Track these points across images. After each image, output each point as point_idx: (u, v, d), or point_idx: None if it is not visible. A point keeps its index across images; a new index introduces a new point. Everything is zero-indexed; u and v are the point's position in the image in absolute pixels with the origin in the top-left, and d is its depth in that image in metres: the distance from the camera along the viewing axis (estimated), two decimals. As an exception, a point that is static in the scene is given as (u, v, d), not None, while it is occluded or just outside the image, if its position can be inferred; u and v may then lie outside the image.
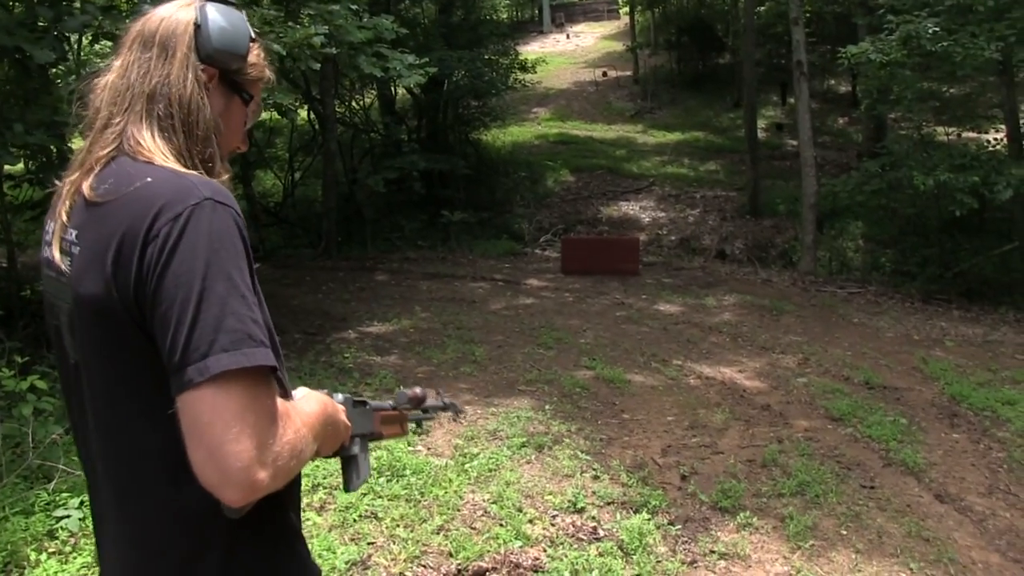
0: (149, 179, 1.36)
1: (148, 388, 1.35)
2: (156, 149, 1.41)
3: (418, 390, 1.97)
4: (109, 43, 7.83)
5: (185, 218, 1.29)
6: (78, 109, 1.55)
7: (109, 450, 1.43)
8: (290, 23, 7.27)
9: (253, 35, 1.60)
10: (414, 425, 2.06)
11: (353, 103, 20.59)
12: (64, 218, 1.44)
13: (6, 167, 7.02)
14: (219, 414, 1.22)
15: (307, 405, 1.50)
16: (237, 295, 1.29)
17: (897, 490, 5.47)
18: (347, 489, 1.76)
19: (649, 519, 4.86)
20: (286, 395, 1.48)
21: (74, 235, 1.41)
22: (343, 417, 1.64)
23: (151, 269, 1.28)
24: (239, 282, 1.31)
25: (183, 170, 1.40)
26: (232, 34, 1.53)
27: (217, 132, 1.52)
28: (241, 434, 1.22)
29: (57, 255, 1.43)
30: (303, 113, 19.37)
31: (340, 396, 1.67)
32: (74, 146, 6.90)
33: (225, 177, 1.52)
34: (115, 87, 1.48)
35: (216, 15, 1.52)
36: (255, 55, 1.61)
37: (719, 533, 4.78)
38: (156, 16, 1.51)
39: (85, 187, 1.41)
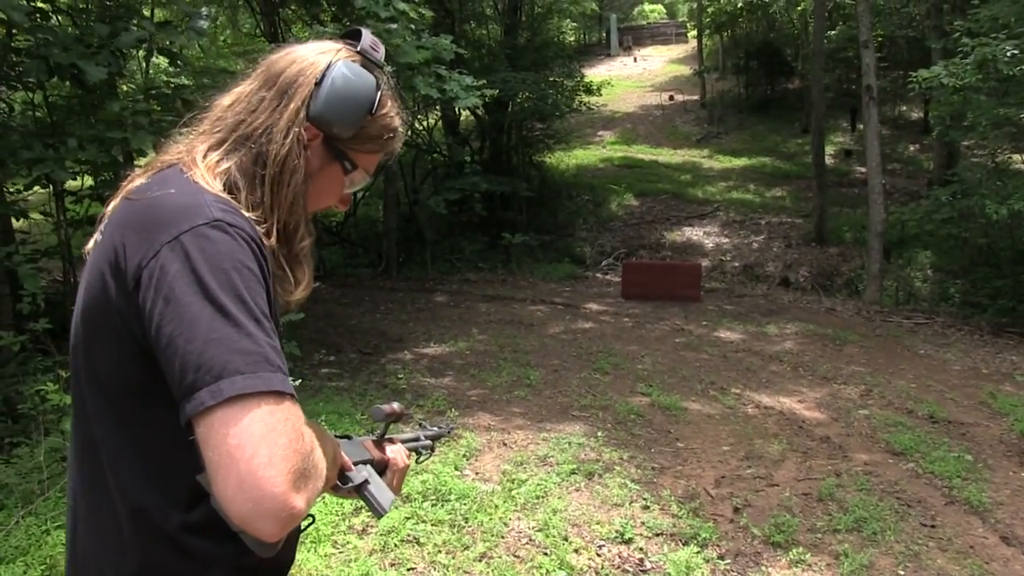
0: (172, 190, 1.29)
1: (129, 402, 1.28)
2: (205, 170, 1.35)
3: (395, 405, 1.84)
4: (165, 59, 7.95)
5: (189, 238, 1.21)
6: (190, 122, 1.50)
7: (81, 462, 1.37)
8: (349, 43, 7.29)
9: (376, 108, 1.48)
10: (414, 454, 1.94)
11: (416, 123, 20.73)
12: (108, 211, 1.40)
13: (69, 183, 7.11)
14: (247, 437, 1.10)
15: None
16: (252, 318, 1.18)
17: (960, 530, 5.24)
18: (379, 514, 1.63)
19: (698, 552, 4.73)
20: None
21: (103, 224, 1.37)
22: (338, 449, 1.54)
23: (151, 290, 1.19)
24: (253, 305, 1.20)
25: (207, 187, 1.32)
26: (347, 102, 1.44)
27: (304, 195, 1.44)
28: (273, 457, 1.10)
29: (89, 244, 1.40)
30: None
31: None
32: (139, 163, 7.02)
33: (307, 242, 1.47)
34: (219, 112, 1.44)
35: (341, 76, 1.43)
36: (378, 127, 1.51)
37: (770, 569, 4.63)
38: (292, 55, 1.46)
39: (129, 186, 1.38)
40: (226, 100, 1.45)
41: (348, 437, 1.67)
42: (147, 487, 1.27)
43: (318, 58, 1.45)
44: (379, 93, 1.48)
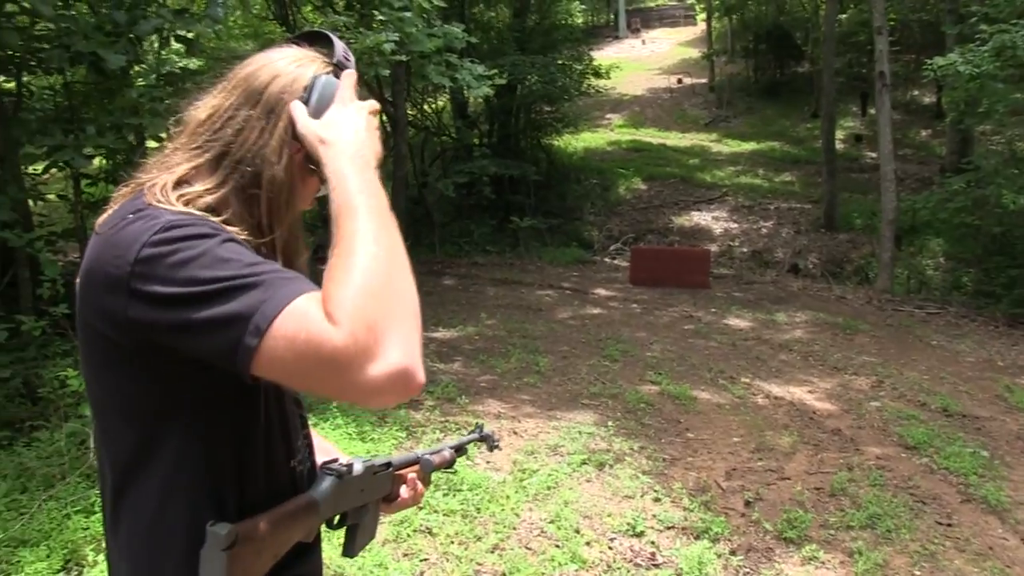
0: (130, 216, 1.25)
1: (138, 416, 1.29)
2: (175, 198, 1.29)
3: (446, 453, 1.81)
4: (181, 46, 7.93)
5: (150, 248, 1.18)
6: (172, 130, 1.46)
7: (103, 463, 1.37)
8: (362, 29, 7.23)
9: None
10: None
11: (425, 106, 20.63)
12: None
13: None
14: (301, 331, 1.08)
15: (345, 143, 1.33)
16: (242, 264, 1.16)
17: (977, 530, 5.17)
18: (347, 554, 1.57)
19: (710, 547, 4.68)
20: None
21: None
22: (375, 133, 1.40)
23: (147, 311, 1.17)
24: (240, 262, 1.17)
25: (169, 208, 1.27)
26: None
27: (296, 212, 1.43)
28: (330, 328, 1.08)
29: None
30: (375, 115, 19.44)
31: (359, 465, 1.48)
32: (150, 145, 7.04)
33: (304, 257, 1.47)
34: (194, 127, 1.38)
35: (323, 90, 1.38)
36: None
37: (783, 566, 4.57)
38: (270, 67, 1.39)
39: (100, 218, 1.33)
40: (201, 114, 1.38)
41: (389, 465, 1.59)
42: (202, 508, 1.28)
43: (299, 72, 1.38)
44: None
